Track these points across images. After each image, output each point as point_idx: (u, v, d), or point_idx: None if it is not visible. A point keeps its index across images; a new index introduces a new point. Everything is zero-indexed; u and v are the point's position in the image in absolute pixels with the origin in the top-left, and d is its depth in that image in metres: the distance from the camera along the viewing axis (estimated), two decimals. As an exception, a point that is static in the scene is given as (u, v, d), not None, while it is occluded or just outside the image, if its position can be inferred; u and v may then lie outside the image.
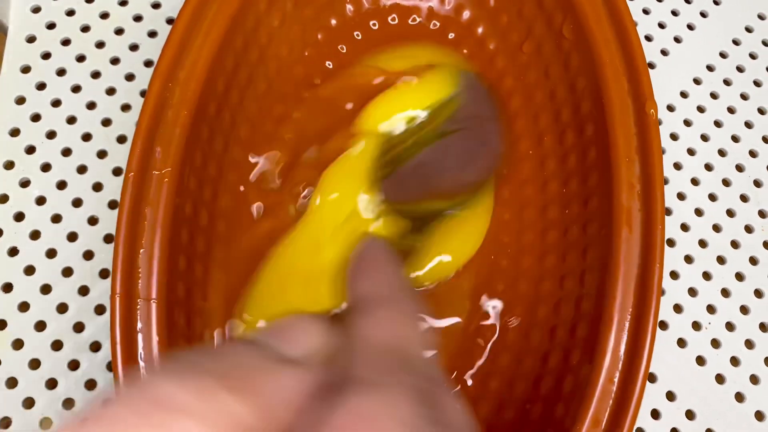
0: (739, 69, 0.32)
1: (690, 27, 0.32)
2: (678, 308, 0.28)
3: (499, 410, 0.25)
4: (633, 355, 0.22)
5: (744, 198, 0.29)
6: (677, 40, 0.32)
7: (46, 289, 0.26)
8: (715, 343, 0.27)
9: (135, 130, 0.23)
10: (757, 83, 0.31)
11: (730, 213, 0.29)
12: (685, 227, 0.29)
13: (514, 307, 0.26)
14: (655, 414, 0.26)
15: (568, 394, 0.23)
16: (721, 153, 0.30)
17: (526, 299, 0.26)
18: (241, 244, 0.26)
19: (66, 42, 0.29)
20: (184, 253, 0.24)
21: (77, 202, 0.27)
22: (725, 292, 0.28)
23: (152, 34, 0.30)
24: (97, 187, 0.27)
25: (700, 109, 0.31)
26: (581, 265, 0.25)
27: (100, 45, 0.29)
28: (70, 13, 0.30)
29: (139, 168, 0.23)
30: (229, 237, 0.26)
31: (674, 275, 0.28)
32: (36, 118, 0.28)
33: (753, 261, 0.29)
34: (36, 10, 0.30)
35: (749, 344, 0.27)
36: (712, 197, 0.29)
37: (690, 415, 0.26)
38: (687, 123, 0.31)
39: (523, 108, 0.28)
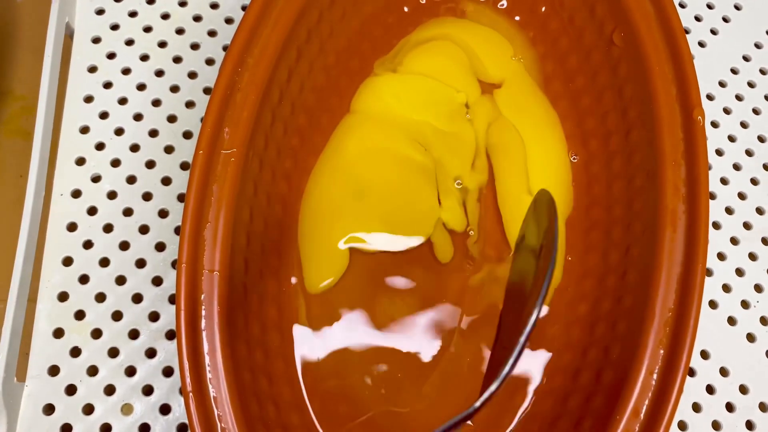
0: (774, 59, 0.33)
1: (725, 19, 0.33)
2: (726, 288, 0.29)
3: (536, 401, 0.26)
4: (673, 352, 0.22)
5: (785, 181, 0.31)
6: (713, 32, 0.33)
7: (120, 280, 0.27)
8: (764, 321, 0.29)
9: (206, 110, 0.24)
10: (791, 72, 0.33)
11: (773, 196, 0.30)
12: (729, 210, 0.30)
13: (556, 304, 0.27)
14: (710, 389, 0.27)
15: (607, 386, 0.24)
16: (761, 139, 0.31)
17: (567, 295, 0.27)
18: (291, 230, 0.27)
19: (130, 42, 0.30)
20: (244, 230, 0.25)
21: (147, 196, 0.28)
22: (771, 272, 0.29)
23: (212, 33, 0.31)
24: (166, 181, 0.28)
25: (739, 98, 0.32)
26: (623, 263, 0.26)
27: (162, 44, 0.30)
28: (133, 14, 0.31)
29: (208, 147, 0.23)
30: (283, 222, 0.27)
31: (721, 256, 0.29)
32: (104, 115, 0.29)
33: (796, 241, 0.30)
34: (100, 12, 0.31)
35: (797, 321, 0.29)
36: (754, 181, 0.31)
37: (743, 389, 0.27)
38: (726, 111, 0.32)
39: (569, 111, 0.30)
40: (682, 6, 0.33)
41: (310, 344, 0.26)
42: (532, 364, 0.26)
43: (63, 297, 0.27)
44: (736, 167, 0.31)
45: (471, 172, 0.28)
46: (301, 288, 0.27)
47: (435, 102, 0.29)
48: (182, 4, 0.31)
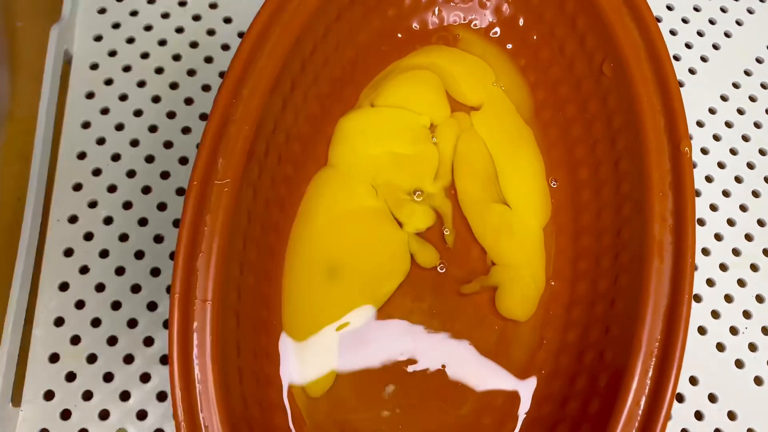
0: (763, 86, 0.33)
1: (715, 47, 0.34)
2: (715, 314, 0.29)
3: (524, 429, 0.26)
4: (659, 383, 0.23)
5: (773, 208, 0.31)
6: (703, 59, 0.34)
7: (116, 305, 0.27)
8: (753, 347, 0.29)
9: (200, 140, 0.24)
10: (780, 99, 0.33)
11: (761, 222, 0.31)
12: (718, 237, 0.30)
13: (544, 330, 0.27)
14: (699, 415, 0.28)
15: (594, 415, 0.24)
16: (750, 166, 0.32)
17: (556, 322, 0.27)
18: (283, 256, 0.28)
19: (127, 68, 0.31)
20: (238, 260, 0.25)
21: (143, 221, 0.29)
22: (759, 298, 0.30)
23: (208, 59, 0.31)
24: (162, 206, 0.29)
25: (728, 125, 0.33)
26: (612, 292, 0.26)
27: (159, 71, 0.31)
28: (130, 40, 0.31)
29: (202, 178, 0.24)
30: (275, 248, 0.27)
31: (710, 282, 0.30)
32: (101, 141, 0.30)
33: (784, 268, 0.30)
34: (98, 38, 0.31)
35: (784, 347, 0.29)
36: (743, 208, 0.31)
37: (732, 416, 0.28)
38: (716, 138, 0.32)
39: (560, 139, 0.30)
40: (672, 33, 0.34)
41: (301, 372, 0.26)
42: (522, 390, 0.27)
43: (59, 322, 0.27)
44: (726, 194, 0.31)
45: (433, 182, 0.29)
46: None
47: (398, 129, 0.29)
48: (179, 31, 0.32)
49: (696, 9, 0.35)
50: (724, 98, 0.33)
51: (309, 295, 0.27)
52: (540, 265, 0.28)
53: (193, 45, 0.31)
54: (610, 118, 0.28)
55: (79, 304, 0.27)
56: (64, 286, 0.27)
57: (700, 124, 0.32)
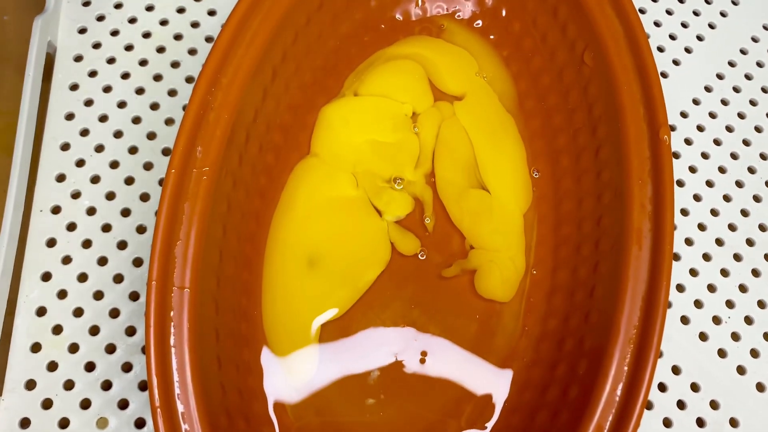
0: (747, 77, 0.33)
1: (699, 38, 0.34)
2: (698, 303, 0.29)
3: (504, 416, 0.26)
4: (638, 367, 0.23)
5: (757, 198, 0.31)
6: (687, 50, 0.34)
7: (98, 295, 0.27)
8: (735, 336, 0.29)
9: (178, 129, 0.24)
10: (764, 90, 0.33)
11: (744, 213, 0.31)
12: (702, 227, 0.30)
13: (526, 318, 0.28)
14: (681, 404, 0.28)
15: (573, 402, 0.24)
16: (734, 156, 0.32)
17: (537, 310, 0.28)
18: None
19: (111, 60, 0.31)
20: (217, 247, 0.25)
21: (126, 212, 0.29)
22: (743, 288, 0.30)
23: (192, 51, 0.31)
24: (144, 197, 0.29)
25: (712, 115, 0.33)
26: (592, 279, 0.26)
27: (143, 63, 0.31)
28: (115, 33, 0.31)
29: (180, 165, 0.24)
30: (256, 236, 0.27)
31: (693, 272, 0.30)
32: (84, 133, 0.30)
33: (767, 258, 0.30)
34: (82, 31, 0.31)
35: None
36: (727, 198, 0.31)
37: (714, 405, 0.28)
38: (699, 128, 0.32)
39: (542, 129, 0.30)
40: (656, 25, 0.34)
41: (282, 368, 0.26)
42: (502, 378, 0.27)
43: (41, 312, 0.27)
44: (709, 184, 0.31)
45: (414, 170, 0.29)
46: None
47: (380, 118, 0.30)
48: (163, 23, 0.32)
49: (680, 0, 0.35)
50: (708, 89, 0.33)
51: (289, 285, 0.27)
52: (519, 249, 0.28)
53: (177, 37, 0.32)
54: (591, 107, 0.28)
55: (62, 294, 0.27)
56: (46, 276, 0.27)
57: (684, 114, 0.32)
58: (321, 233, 0.28)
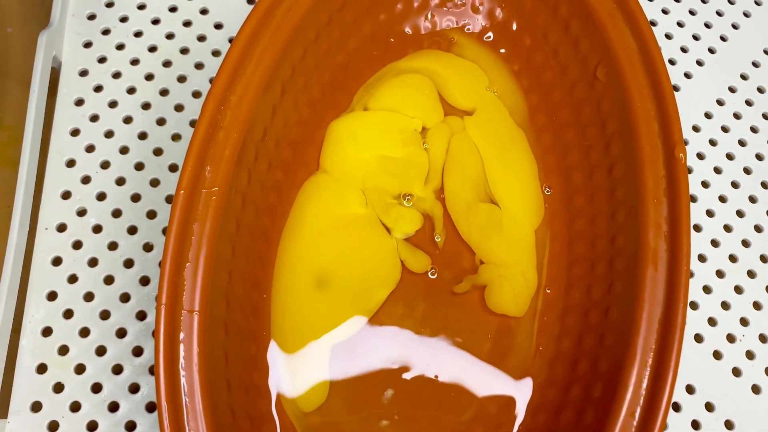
0: (760, 90, 0.33)
1: (711, 51, 0.34)
2: (712, 321, 0.29)
3: None
4: (654, 392, 0.22)
5: (770, 214, 0.31)
6: (699, 63, 0.33)
7: (104, 314, 0.27)
8: (750, 355, 0.28)
9: (187, 149, 0.24)
10: (777, 103, 0.33)
11: (758, 228, 0.30)
12: (715, 243, 0.30)
13: (539, 337, 0.27)
14: (696, 425, 0.27)
15: (589, 426, 0.24)
16: (747, 171, 0.31)
17: (550, 330, 0.27)
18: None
19: (117, 75, 0.30)
20: (226, 268, 0.25)
21: (132, 230, 0.28)
22: (757, 305, 0.29)
23: (199, 66, 0.31)
24: (151, 214, 0.28)
25: (725, 129, 0.32)
26: (606, 299, 0.26)
27: (149, 77, 0.31)
28: (120, 47, 0.31)
29: (190, 186, 0.23)
30: (265, 256, 0.27)
31: (707, 289, 0.29)
32: (90, 149, 0.29)
33: (782, 274, 0.30)
34: (88, 45, 0.31)
35: (782, 355, 0.28)
36: (740, 213, 0.31)
37: (729, 425, 0.27)
38: (712, 142, 0.32)
39: (553, 144, 0.30)
40: (668, 37, 0.34)
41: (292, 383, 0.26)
42: (516, 400, 0.26)
43: (47, 332, 0.27)
44: (722, 199, 0.31)
45: (424, 186, 0.29)
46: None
47: (389, 132, 0.29)
48: (169, 37, 0.31)
49: (691, 12, 0.34)
50: (720, 102, 0.33)
51: (298, 306, 0.26)
52: (531, 264, 0.28)
53: (184, 51, 0.31)
54: (604, 123, 0.27)
55: (68, 314, 0.27)
56: (52, 296, 0.27)
57: (696, 128, 0.32)
58: (330, 253, 0.27)
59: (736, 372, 0.28)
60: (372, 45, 0.30)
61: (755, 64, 0.34)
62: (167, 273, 0.22)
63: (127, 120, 0.30)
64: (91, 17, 0.31)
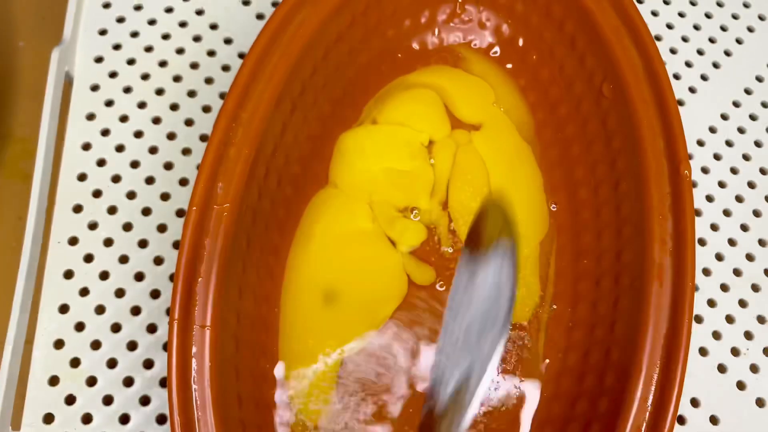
0: (763, 104, 0.33)
1: (715, 65, 0.34)
2: (716, 335, 0.29)
3: None
4: (660, 405, 0.23)
5: (774, 228, 0.31)
6: (704, 78, 0.34)
7: (115, 327, 0.27)
8: (754, 368, 0.29)
9: (200, 165, 0.24)
10: (781, 118, 0.33)
11: (762, 242, 0.31)
12: (719, 257, 0.30)
13: (546, 353, 0.27)
14: (701, 438, 0.28)
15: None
16: (751, 185, 0.32)
17: (557, 344, 0.27)
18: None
19: (128, 90, 0.31)
20: (237, 283, 0.25)
21: (143, 243, 0.29)
22: (761, 319, 0.29)
23: (209, 80, 0.31)
24: (162, 228, 0.29)
25: (729, 144, 0.32)
26: (612, 315, 0.26)
27: (159, 92, 0.31)
28: (131, 62, 0.31)
29: (202, 203, 0.24)
30: (275, 270, 0.27)
31: (711, 303, 0.30)
32: (101, 163, 0.30)
33: (786, 288, 0.30)
34: (99, 60, 0.31)
35: (786, 369, 0.29)
36: (744, 227, 0.31)
37: (733, 438, 0.28)
38: (716, 157, 0.32)
39: (559, 159, 0.30)
40: (672, 52, 0.34)
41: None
42: (524, 413, 0.27)
43: (59, 344, 0.27)
44: (727, 213, 0.31)
45: (430, 199, 0.29)
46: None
47: (396, 145, 0.30)
48: (179, 52, 0.32)
49: (696, 27, 0.35)
50: (724, 117, 0.33)
51: (306, 321, 0.27)
52: (533, 273, 0.28)
53: (194, 66, 0.32)
54: (609, 139, 0.28)
55: (79, 326, 0.27)
56: (64, 308, 0.27)
57: (700, 143, 0.32)
58: (337, 269, 0.28)
59: (741, 385, 0.28)
60: (380, 60, 0.30)
61: (759, 79, 0.34)
62: (180, 288, 0.23)
63: (138, 134, 0.30)
64: (103, 32, 0.32)
